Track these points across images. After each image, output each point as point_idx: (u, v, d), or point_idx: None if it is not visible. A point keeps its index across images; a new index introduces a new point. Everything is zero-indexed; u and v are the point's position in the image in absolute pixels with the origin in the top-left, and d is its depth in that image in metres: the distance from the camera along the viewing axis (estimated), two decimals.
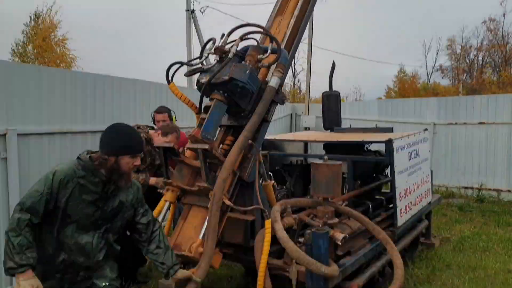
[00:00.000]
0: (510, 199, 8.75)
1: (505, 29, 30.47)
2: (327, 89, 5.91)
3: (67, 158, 4.17)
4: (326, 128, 5.96)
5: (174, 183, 3.32)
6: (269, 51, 3.43)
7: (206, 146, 3.05)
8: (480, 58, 36.54)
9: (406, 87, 39.44)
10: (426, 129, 5.37)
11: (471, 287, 4.43)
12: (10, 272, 2.26)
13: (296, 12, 4.07)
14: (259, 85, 3.44)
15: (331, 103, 5.77)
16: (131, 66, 44.62)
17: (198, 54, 3.61)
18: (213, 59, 3.57)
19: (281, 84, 3.48)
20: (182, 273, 2.74)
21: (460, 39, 38.66)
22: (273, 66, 3.51)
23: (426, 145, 5.26)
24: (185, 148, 3.62)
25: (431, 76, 43.88)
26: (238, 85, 3.22)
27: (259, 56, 3.44)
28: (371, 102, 10.87)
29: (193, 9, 15.89)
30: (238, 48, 3.47)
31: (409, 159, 4.63)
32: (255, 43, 3.58)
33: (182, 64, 3.57)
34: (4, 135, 3.54)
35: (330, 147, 5.33)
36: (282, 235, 3.03)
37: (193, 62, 3.68)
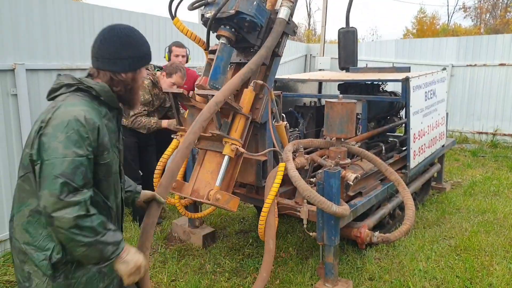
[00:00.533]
0: None
1: None
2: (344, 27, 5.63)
3: None
4: (341, 68, 5.74)
5: (186, 128, 3.23)
6: None
7: (215, 92, 2.91)
8: None
9: (425, 29, 37.90)
10: (444, 68, 5.13)
11: (479, 229, 4.44)
12: (113, 258, 1.67)
13: None
14: (268, 17, 3.21)
15: (348, 41, 5.49)
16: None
17: None
18: None
19: (291, 14, 3.25)
20: (144, 194, 2.19)
21: None
22: None
23: (444, 85, 5.05)
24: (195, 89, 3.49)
25: (452, 16, 41.96)
26: (245, 18, 2.99)
27: None
28: (388, 42, 10.39)
29: None
30: None
31: (425, 99, 4.46)
32: None
33: None
34: (13, 70, 3.43)
35: (345, 87, 5.15)
36: (294, 174, 2.98)
37: None
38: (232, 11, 2.97)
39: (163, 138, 4.32)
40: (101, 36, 1.81)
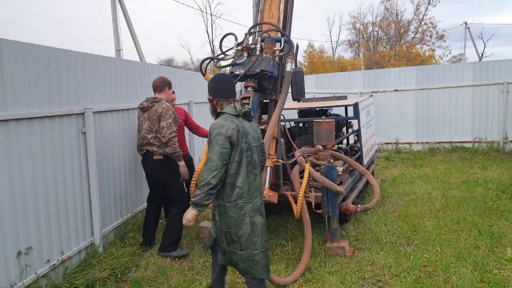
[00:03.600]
0: (419, 149, 11.26)
1: (399, 8, 34.73)
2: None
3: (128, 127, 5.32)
4: (294, 99, 7.45)
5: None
6: (283, 44, 4.79)
7: (262, 127, 4.38)
8: (375, 32, 41.07)
9: (315, 61, 42.59)
10: (371, 95, 7.17)
11: (409, 204, 6.37)
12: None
13: None
14: (278, 69, 4.80)
15: (298, 79, 7.24)
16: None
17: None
18: (232, 51, 4.80)
19: (295, 66, 4.88)
20: None
21: (358, 15, 43.14)
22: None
23: (373, 107, 7.08)
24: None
25: (335, 50, 48.03)
26: (267, 74, 4.55)
27: (275, 48, 4.78)
28: (309, 77, 12.60)
29: None
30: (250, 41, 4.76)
31: (366, 117, 6.38)
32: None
33: (212, 59, 4.79)
34: (83, 113, 4.44)
35: (303, 113, 6.88)
36: (311, 169, 4.51)
37: (219, 57, 4.88)
38: (258, 70, 4.48)
39: None
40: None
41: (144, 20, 51.91)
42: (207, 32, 39.77)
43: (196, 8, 40.82)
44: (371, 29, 41.83)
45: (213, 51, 40.47)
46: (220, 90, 3.22)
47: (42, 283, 3.77)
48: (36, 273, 3.70)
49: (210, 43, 39.55)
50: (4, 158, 3.37)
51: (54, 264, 3.95)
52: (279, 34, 4.93)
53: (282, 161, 4.63)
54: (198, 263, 4.60)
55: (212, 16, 38.50)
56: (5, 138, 3.36)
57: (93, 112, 4.54)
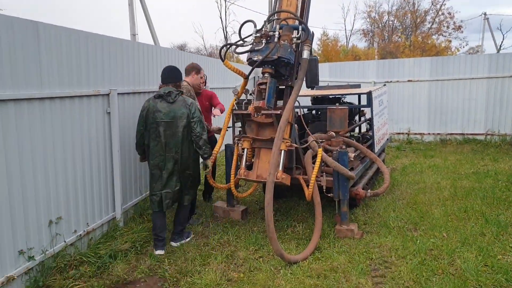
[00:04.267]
0: (430, 140, 11.33)
1: None
2: None
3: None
4: (308, 87, 7.58)
5: (249, 135, 4.80)
6: (300, 31, 4.92)
7: (278, 112, 4.55)
8: (391, 22, 40.59)
9: (329, 50, 42.36)
10: (385, 84, 7.28)
11: (418, 193, 6.52)
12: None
13: None
14: (295, 55, 4.95)
15: (312, 66, 7.38)
16: None
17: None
18: (250, 38, 4.94)
19: (310, 54, 5.03)
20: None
21: (374, 4, 42.65)
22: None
23: (386, 96, 7.19)
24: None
25: (349, 39, 47.60)
26: (284, 61, 4.70)
27: (293, 36, 4.92)
28: (323, 66, 12.68)
29: None
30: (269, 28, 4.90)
31: (379, 105, 6.50)
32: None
33: (231, 45, 4.95)
34: (108, 94, 4.67)
35: (317, 100, 7.02)
36: (323, 154, 4.69)
37: (238, 43, 5.01)
38: (275, 56, 4.63)
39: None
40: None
41: (159, 5, 51.97)
42: (220, 18, 39.56)
43: None
44: (387, 18, 41.41)
45: (226, 38, 40.44)
46: (161, 77, 4.57)
47: (69, 251, 4.05)
48: (65, 242, 3.98)
49: (223, 29, 39.46)
50: (40, 133, 3.62)
51: (80, 235, 4.23)
52: (296, 22, 5.06)
53: (296, 145, 4.82)
54: (213, 239, 4.84)
55: (226, 2, 38.41)
56: (40, 116, 3.61)
57: (118, 93, 4.76)
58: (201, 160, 4.75)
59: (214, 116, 5.79)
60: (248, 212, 5.77)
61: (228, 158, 5.45)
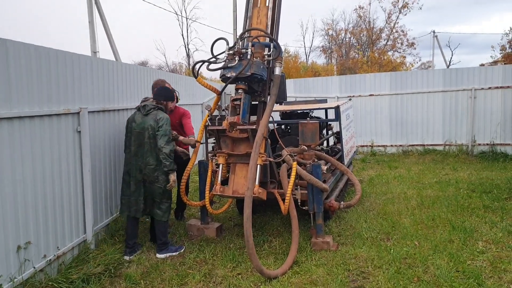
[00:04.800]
0: (393, 151, 11.74)
1: (371, 15, 35.88)
2: None
3: (119, 128, 5.41)
4: (276, 102, 7.71)
5: (224, 150, 4.79)
6: (272, 49, 5.02)
7: (253, 127, 4.58)
8: (348, 39, 42.13)
9: (290, 67, 43.22)
10: (350, 99, 7.51)
11: (386, 203, 6.72)
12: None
13: (269, 4, 5.60)
14: (267, 72, 5.03)
15: (280, 82, 7.52)
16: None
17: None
18: (223, 55, 4.98)
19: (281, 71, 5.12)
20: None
21: (331, 21, 44.23)
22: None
23: (352, 110, 7.42)
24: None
25: (309, 56, 48.90)
26: (257, 77, 4.77)
27: (265, 53, 5.01)
28: (288, 82, 12.89)
29: None
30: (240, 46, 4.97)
31: (347, 119, 6.69)
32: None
33: (204, 61, 4.96)
34: (78, 113, 4.52)
35: (286, 115, 7.13)
36: (298, 167, 4.75)
37: (210, 60, 5.01)
38: (249, 73, 4.69)
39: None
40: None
41: (119, 22, 51.30)
42: (182, 35, 39.62)
43: (172, 12, 40.55)
44: (344, 35, 42.92)
45: (188, 55, 40.45)
46: (153, 93, 5.05)
47: (39, 277, 3.84)
48: (34, 268, 3.77)
49: (185, 47, 39.53)
50: (8, 155, 3.45)
51: (50, 260, 4.03)
52: (267, 40, 5.16)
53: (271, 159, 4.85)
54: (189, 258, 4.75)
55: (188, 19, 38.48)
56: (9, 136, 3.44)
57: (88, 111, 4.63)
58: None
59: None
60: (223, 229, 5.71)
61: (202, 175, 5.40)
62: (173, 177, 4.68)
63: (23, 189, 3.65)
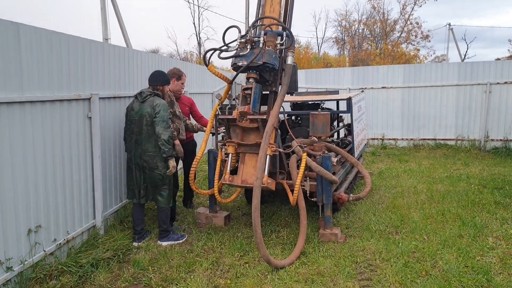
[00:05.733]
0: (404, 145, 11.63)
1: (385, 7, 35.34)
2: None
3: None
4: (287, 93, 7.65)
5: (233, 140, 4.77)
6: (285, 38, 4.95)
7: (264, 117, 4.55)
8: (361, 30, 41.62)
9: (301, 57, 42.88)
10: (362, 90, 7.42)
11: (396, 197, 6.67)
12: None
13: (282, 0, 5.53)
14: (279, 61, 4.97)
15: (292, 72, 7.44)
16: None
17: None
18: (235, 43, 4.92)
19: (293, 61, 5.06)
20: None
21: (344, 12, 43.76)
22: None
23: (364, 102, 7.33)
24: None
25: (321, 47, 48.44)
26: (269, 66, 4.72)
27: (277, 42, 4.94)
28: (300, 72, 12.80)
29: None
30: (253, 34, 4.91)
31: (358, 111, 6.62)
32: None
33: (215, 50, 4.91)
34: (89, 98, 4.54)
35: (297, 106, 7.08)
36: (307, 159, 4.72)
37: (222, 48, 4.97)
38: (260, 62, 4.64)
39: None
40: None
41: (131, 10, 51.27)
42: (193, 24, 39.48)
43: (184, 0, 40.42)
44: (357, 27, 42.37)
45: (199, 43, 40.31)
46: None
47: (49, 260, 3.89)
48: (44, 251, 3.82)
49: (196, 35, 39.38)
50: (20, 138, 3.47)
51: (60, 243, 4.08)
52: (280, 28, 5.09)
53: (281, 150, 4.83)
54: (197, 246, 4.77)
55: (199, 8, 38.27)
56: (21, 119, 3.46)
57: (99, 98, 4.64)
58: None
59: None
60: (231, 218, 5.73)
61: (211, 164, 5.40)
62: (172, 162, 4.70)
63: (34, 173, 3.68)
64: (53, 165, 3.96)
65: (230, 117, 4.78)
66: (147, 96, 4.66)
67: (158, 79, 4.85)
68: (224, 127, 5.08)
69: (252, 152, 4.83)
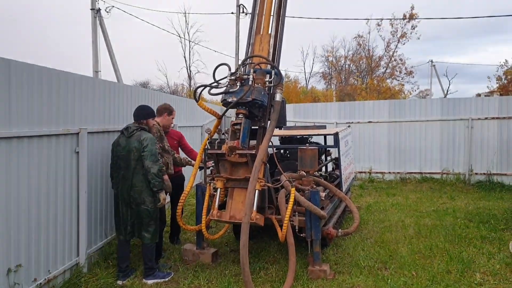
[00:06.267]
0: (391, 178, 11.72)
1: (370, 43, 36.55)
2: None
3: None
4: (275, 127, 7.74)
5: (222, 175, 4.78)
6: (273, 75, 5.07)
7: (253, 152, 4.59)
8: (347, 66, 42.76)
9: (290, 91, 43.61)
10: (349, 125, 7.54)
11: (384, 231, 6.66)
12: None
13: (271, 32, 5.70)
14: (268, 98, 5.07)
15: (280, 107, 7.57)
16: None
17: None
18: (225, 80, 5.01)
19: (282, 97, 5.16)
20: None
21: (331, 48, 45.09)
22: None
23: (351, 137, 7.44)
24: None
25: (308, 81, 49.45)
26: (258, 102, 4.81)
27: (266, 79, 5.05)
28: (288, 106, 12.97)
29: (98, 8, 16.30)
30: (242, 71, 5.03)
31: (345, 145, 6.70)
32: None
33: (205, 86, 5.00)
34: (78, 133, 4.52)
35: (285, 140, 7.14)
36: (296, 193, 4.73)
37: (212, 85, 5.04)
38: (250, 98, 4.73)
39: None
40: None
41: (123, 43, 52.04)
42: (184, 57, 40.00)
43: (175, 34, 41.18)
44: (343, 62, 43.48)
45: (190, 76, 40.74)
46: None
47: None
48: None
49: (187, 68, 39.85)
50: (4, 174, 3.42)
51: (40, 283, 3.94)
52: (269, 66, 5.22)
53: (270, 185, 4.83)
54: (184, 284, 4.66)
55: (190, 42, 39.02)
56: (6, 155, 3.43)
57: (87, 132, 4.63)
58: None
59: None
60: (219, 254, 5.63)
61: (199, 199, 5.36)
62: (162, 195, 4.67)
63: (17, 210, 3.61)
64: (38, 202, 3.89)
65: (219, 151, 4.80)
66: (134, 131, 4.67)
67: (142, 113, 4.88)
68: (213, 162, 5.08)
69: (241, 187, 4.82)
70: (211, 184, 5.04)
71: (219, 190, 4.85)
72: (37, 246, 3.91)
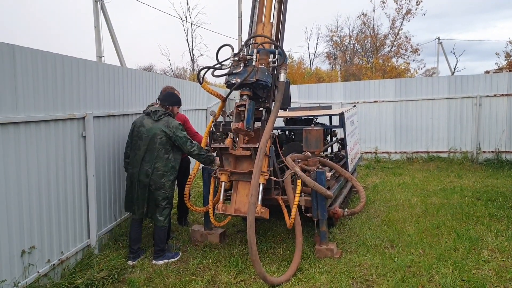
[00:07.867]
0: (397, 158, 11.70)
1: (375, 22, 35.99)
2: None
3: (124, 133, 5.35)
4: (280, 108, 7.71)
5: (226, 168, 4.79)
6: (277, 55, 5.02)
7: (257, 145, 4.58)
8: (352, 45, 42.22)
9: (294, 73, 43.26)
10: (355, 105, 7.49)
11: (390, 210, 6.69)
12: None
13: (273, 21, 5.64)
14: (272, 78, 5.04)
15: (285, 88, 7.52)
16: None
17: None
18: (228, 61, 4.98)
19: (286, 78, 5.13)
20: None
21: (335, 27, 44.49)
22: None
23: (357, 117, 7.40)
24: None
25: (313, 62, 48.96)
26: (262, 83, 4.77)
27: (270, 60, 5.01)
28: (292, 87, 12.92)
29: None
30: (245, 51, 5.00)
31: (351, 126, 6.68)
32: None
33: (209, 68, 4.97)
34: (84, 118, 4.55)
35: (290, 121, 7.12)
36: (301, 174, 4.75)
37: (216, 66, 5.01)
38: (253, 79, 4.69)
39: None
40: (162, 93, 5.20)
41: (125, 27, 51.67)
42: (187, 40, 39.71)
43: (177, 17, 40.71)
44: (348, 42, 42.94)
45: (193, 60, 40.54)
46: (160, 97, 5.15)
47: (43, 282, 3.84)
48: (38, 272, 3.78)
49: (190, 52, 39.60)
50: (14, 159, 3.47)
51: (54, 264, 4.03)
52: (272, 46, 5.17)
53: (274, 178, 4.84)
54: (193, 264, 4.74)
55: (193, 25, 38.65)
56: (15, 140, 3.47)
57: (93, 116, 4.65)
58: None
59: None
60: (227, 235, 5.70)
61: (206, 181, 5.40)
62: (215, 165, 5.06)
63: (28, 194, 3.67)
64: (48, 185, 3.95)
65: (222, 146, 4.81)
66: (162, 115, 4.79)
67: (171, 100, 5.12)
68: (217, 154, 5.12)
69: (245, 180, 4.84)
70: (215, 177, 5.09)
71: (223, 183, 4.87)
72: (49, 228, 3.99)
